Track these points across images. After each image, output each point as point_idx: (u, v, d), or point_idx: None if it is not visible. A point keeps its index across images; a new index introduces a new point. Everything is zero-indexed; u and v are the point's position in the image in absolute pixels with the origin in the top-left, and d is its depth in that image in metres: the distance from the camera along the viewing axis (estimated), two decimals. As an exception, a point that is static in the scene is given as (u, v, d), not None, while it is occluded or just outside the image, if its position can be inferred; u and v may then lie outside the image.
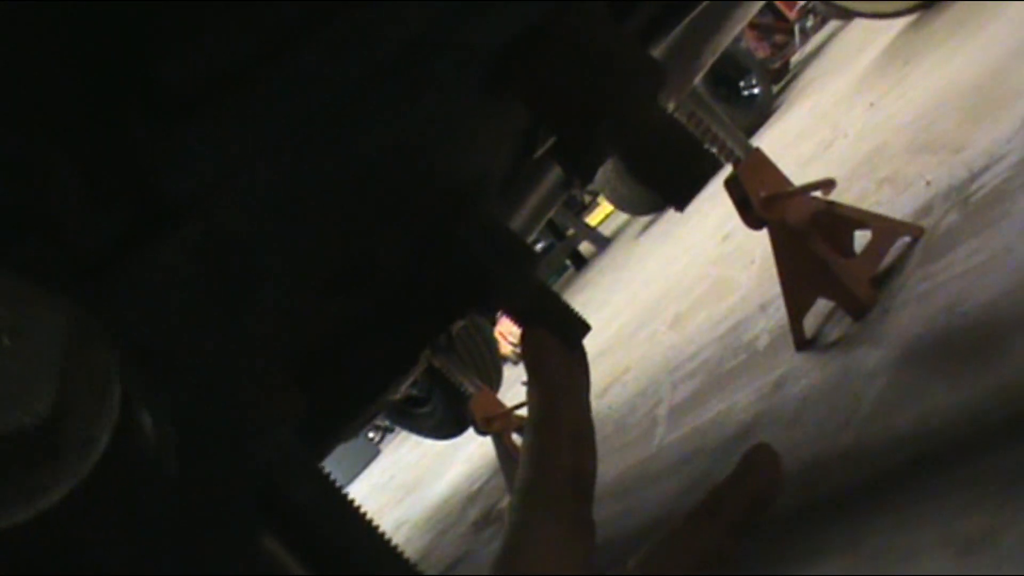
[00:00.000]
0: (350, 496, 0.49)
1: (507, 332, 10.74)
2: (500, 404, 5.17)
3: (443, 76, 0.62)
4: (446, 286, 0.72)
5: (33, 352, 0.33)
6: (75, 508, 0.32)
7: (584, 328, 0.77)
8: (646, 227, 10.61)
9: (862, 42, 7.82)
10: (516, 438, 5.10)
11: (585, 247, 14.31)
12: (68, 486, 0.33)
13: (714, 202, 5.97)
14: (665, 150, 0.69)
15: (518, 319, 0.76)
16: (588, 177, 0.86)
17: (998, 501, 1.73)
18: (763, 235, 3.26)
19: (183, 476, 0.37)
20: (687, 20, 1.37)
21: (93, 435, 0.33)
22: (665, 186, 0.70)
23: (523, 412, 5.16)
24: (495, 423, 5.06)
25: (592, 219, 15.68)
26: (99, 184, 0.45)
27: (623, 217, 12.81)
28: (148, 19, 0.51)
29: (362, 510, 0.50)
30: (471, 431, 5.37)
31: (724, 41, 2.58)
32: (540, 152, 1.04)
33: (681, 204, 0.71)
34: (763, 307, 3.97)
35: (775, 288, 3.38)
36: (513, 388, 6.47)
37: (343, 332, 0.73)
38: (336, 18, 0.59)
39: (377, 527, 0.51)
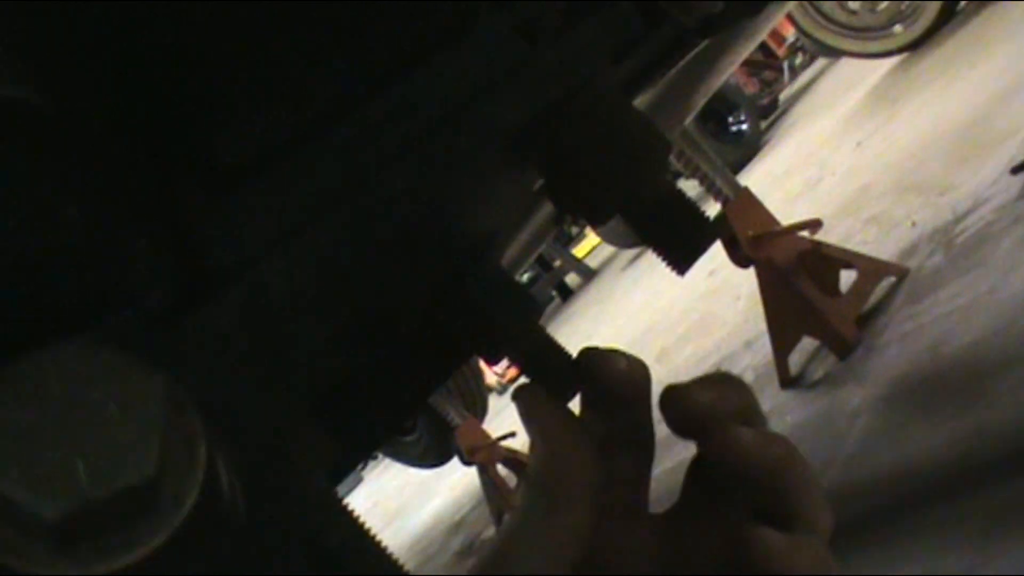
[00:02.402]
0: (380, 540, 0.53)
1: (492, 362, 10.66)
2: (486, 435, 5.17)
3: (468, 149, 0.66)
4: (455, 334, 0.76)
5: (137, 419, 0.37)
6: (167, 557, 0.36)
7: None
8: (632, 260, 10.62)
9: (850, 80, 7.87)
10: (501, 469, 5.11)
11: (571, 278, 14.30)
12: (164, 537, 0.37)
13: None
14: (669, 218, 0.74)
15: (521, 366, 0.80)
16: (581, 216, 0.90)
17: (979, 539, 1.77)
18: (749, 272, 3.30)
19: (249, 525, 0.41)
20: (681, 63, 1.41)
21: (186, 490, 0.37)
22: (668, 252, 0.75)
23: (508, 443, 5.17)
24: (480, 453, 5.06)
25: (579, 251, 15.67)
26: (160, 253, 0.49)
27: (609, 249, 12.81)
28: (201, 97, 0.56)
29: (391, 553, 0.53)
30: (455, 460, 5.37)
31: (715, 83, 2.63)
32: (534, 189, 1.09)
33: (682, 269, 0.76)
34: (748, 344, 4.00)
35: (760, 325, 3.42)
36: (498, 418, 6.48)
37: (359, 378, 0.77)
38: (375, 97, 0.63)
39: (405, 569, 0.54)
